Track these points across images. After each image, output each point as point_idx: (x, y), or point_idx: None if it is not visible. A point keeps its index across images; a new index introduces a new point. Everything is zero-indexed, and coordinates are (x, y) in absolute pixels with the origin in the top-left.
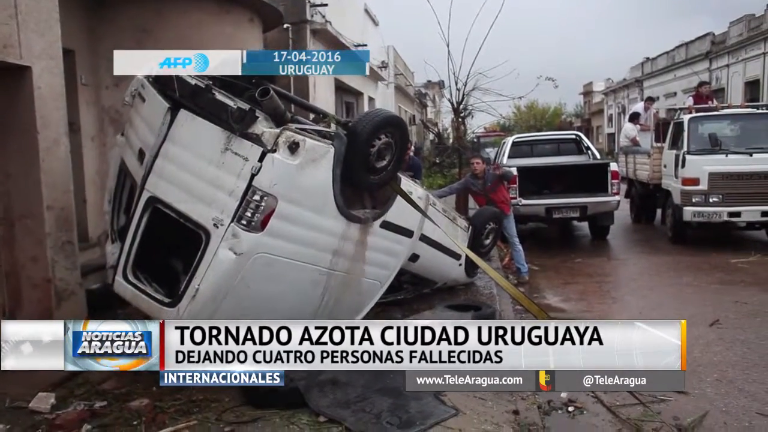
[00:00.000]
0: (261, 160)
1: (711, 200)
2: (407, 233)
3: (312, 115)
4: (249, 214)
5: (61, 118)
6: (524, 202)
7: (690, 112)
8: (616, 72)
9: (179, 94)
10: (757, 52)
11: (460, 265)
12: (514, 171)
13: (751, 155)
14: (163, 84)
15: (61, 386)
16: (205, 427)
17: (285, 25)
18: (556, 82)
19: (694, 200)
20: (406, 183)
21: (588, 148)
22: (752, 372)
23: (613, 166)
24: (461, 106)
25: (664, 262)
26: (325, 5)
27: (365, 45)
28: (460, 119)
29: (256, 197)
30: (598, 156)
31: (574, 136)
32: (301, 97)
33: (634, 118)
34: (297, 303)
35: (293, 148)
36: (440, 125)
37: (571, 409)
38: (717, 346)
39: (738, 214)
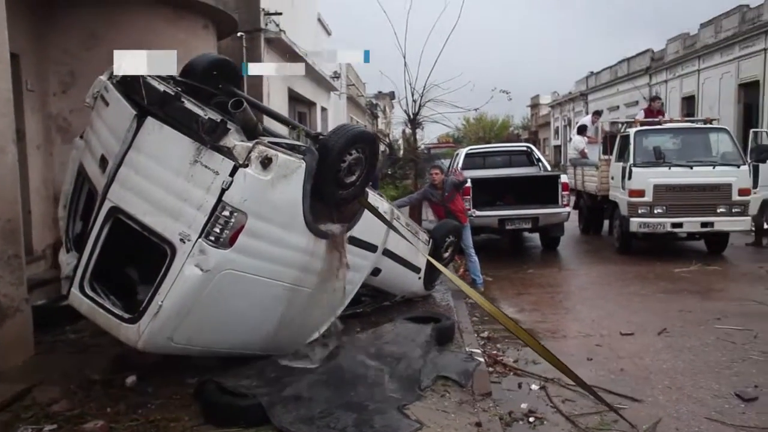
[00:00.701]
0: (232, 174)
1: (656, 211)
2: (372, 248)
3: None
4: (217, 230)
5: (8, 125)
6: (478, 213)
7: (635, 126)
8: (561, 85)
9: (147, 101)
10: (692, 69)
11: (420, 278)
12: (468, 182)
13: (691, 168)
14: (128, 88)
15: (6, 410)
16: None
17: (239, 34)
18: (510, 95)
19: (640, 211)
20: (373, 197)
21: (539, 160)
22: (699, 378)
23: (564, 178)
24: (417, 117)
25: (612, 272)
26: (280, 14)
27: (338, 76)
28: (413, 130)
29: (226, 213)
30: (549, 168)
31: (525, 148)
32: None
33: (582, 131)
34: (259, 318)
35: (265, 163)
36: (391, 136)
37: (531, 419)
38: (666, 354)
39: (680, 225)
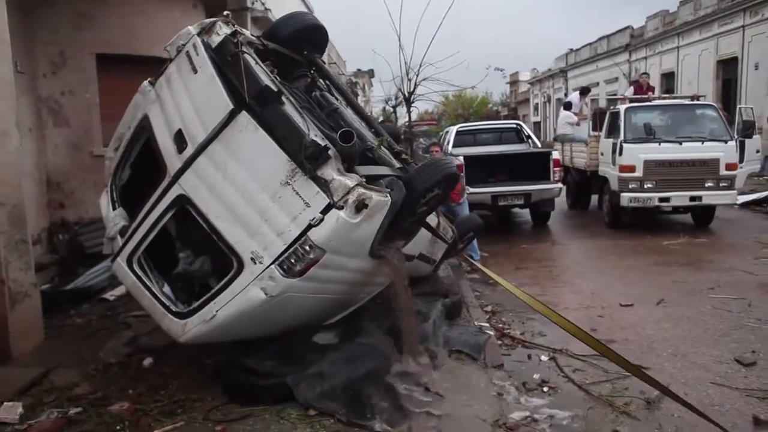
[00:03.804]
0: (324, 212)
1: (646, 186)
2: (410, 259)
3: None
4: (292, 261)
5: (10, 108)
6: (471, 190)
7: (625, 102)
8: (541, 62)
9: (247, 93)
10: (671, 46)
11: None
12: (461, 159)
13: (680, 144)
14: (222, 59)
15: (27, 394)
16: (192, 427)
17: (225, 12)
18: (504, 72)
19: (630, 186)
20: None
21: (528, 136)
22: (700, 346)
23: (555, 155)
24: (411, 96)
25: (604, 245)
26: None
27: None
28: (408, 109)
29: (306, 248)
30: (539, 144)
31: (515, 125)
32: None
33: (569, 107)
34: (296, 317)
35: (360, 207)
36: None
37: (545, 389)
38: (666, 323)
39: (669, 200)
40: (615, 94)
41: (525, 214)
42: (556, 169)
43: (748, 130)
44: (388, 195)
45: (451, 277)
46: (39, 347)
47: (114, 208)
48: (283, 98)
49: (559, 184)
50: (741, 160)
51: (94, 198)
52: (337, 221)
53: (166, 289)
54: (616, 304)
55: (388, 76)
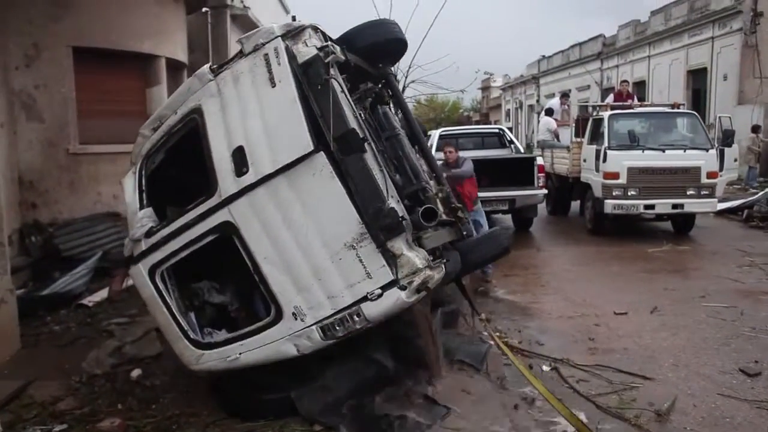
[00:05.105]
0: (384, 288)
1: (629, 193)
2: None
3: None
4: (336, 328)
5: None
6: None
7: (607, 110)
8: (513, 69)
9: (333, 133)
10: (642, 55)
11: None
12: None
13: (663, 151)
14: (310, 75)
15: (5, 409)
16: None
17: (204, 9)
18: (494, 76)
19: (614, 193)
20: None
21: (511, 142)
22: (702, 355)
23: (540, 161)
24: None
25: (590, 252)
26: None
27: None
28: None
29: (356, 319)
30: (522, 150)
31: (497, 130)
32: None
33: (550, 113)
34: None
35: (420, 289)
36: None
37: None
38: (663, 332)
39: (652, 207)
40: (587, 102)
41: (506, 219)
42: (540, 174)
43: (728, 138)
44: (443, 269)
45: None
46: (15, 357)
47: (141, 206)
48: (366, 145)
49: (544, 190)
50: (721, 168)
51: (69, 198)
52: (395, 301)
53: (187, 312)
54: (609, 312)
55: None
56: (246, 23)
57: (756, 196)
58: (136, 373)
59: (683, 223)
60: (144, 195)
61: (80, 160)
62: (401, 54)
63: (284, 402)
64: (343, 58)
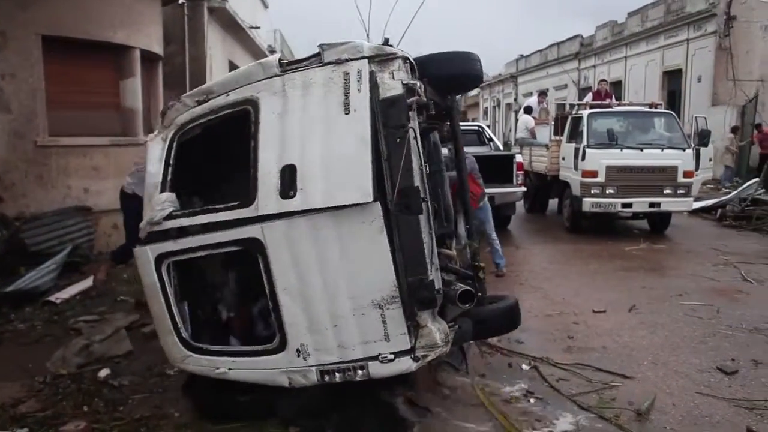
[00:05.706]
0: (398, 355)
1: (607, 192)
2: None
3: None
4: (336, 374)
5: None
6: None
7: (586, 108)
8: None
9: (396, 187)
10: (619, 56)
11: None
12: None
13: (642, 150)
14: (388, 124)
15: None
16: None
17: (180, 1)
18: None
19: (592, 191)
20: None
21: (490, 139)
22: (679, 354)
23: (519, 158)
24: None
25: (568, 250)
26: None
27: (258, 27)
28: None
29: (359, 372)
30: (501, 147)
31: (476, 127)
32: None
33: (528, 111)
34: None
35: (432, 359)
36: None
37: (532, 400)
38: (641, 331)
39: (630, 205)
40: (564, 100)
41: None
42: (519, 172)
43: (704, 139)
44: (450, 342)
45: None
46: None
47: (165, 182)
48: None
49: (523, 188)
50: (697, 168)
51: (36, 191)
52: (404, 368)
53: (185, 308)
54: (588, 310)
55: None
56: (223, 17)
57: (729, 195)
58: (104, 372)
59: (659, 221)
60: (170, 170)
61: (49, 153)
62: (473, 88)
63: (261, 403)
64: (425, 100)
